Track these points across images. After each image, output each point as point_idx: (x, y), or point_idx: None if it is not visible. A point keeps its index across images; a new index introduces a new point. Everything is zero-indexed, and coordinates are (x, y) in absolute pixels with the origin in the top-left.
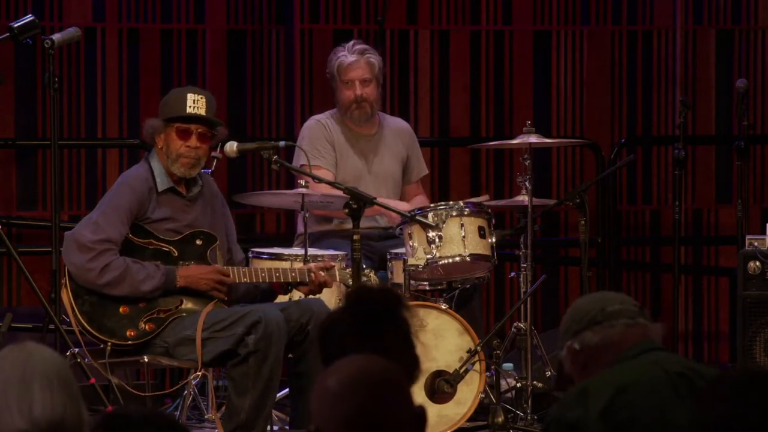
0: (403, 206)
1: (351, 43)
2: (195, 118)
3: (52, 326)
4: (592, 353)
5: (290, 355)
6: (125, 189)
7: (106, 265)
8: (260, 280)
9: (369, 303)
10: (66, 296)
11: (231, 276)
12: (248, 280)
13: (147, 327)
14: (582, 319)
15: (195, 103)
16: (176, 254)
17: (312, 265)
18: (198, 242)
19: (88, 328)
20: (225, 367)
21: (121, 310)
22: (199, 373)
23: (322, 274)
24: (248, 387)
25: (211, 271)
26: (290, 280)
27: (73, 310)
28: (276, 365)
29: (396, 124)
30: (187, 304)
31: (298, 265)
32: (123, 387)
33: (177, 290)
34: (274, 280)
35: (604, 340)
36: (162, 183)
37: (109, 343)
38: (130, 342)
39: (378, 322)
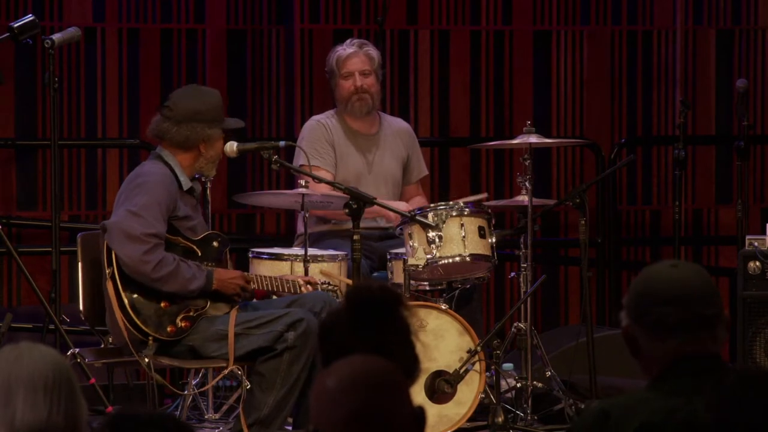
0: (403, 206)
1: (349, 40)
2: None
3: (52, 326)
4: (643, 350)
5: None
6: (160, 187)
7: (160, 260)
8: (273, 289)
9: (368, 302)
10: (112, 287)
11: (252, 287)
12: (259, 287)
13: (182, 324)
14: (641, 312)
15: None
16: (200, 254)
17: (300, 278)
18: (215, 244)
19: (135, 320)
20: (253, 364)
21: (162, 305)
22: (231, 368)
23: (310, 288)
24: (276, 383)
25: (238, 277)
26: (298, 292)
27: (121, 302)
28: (305, 367)
29: (397, 124)
30: (213, 305)
31: (299, 267)
32: (164, 383)
33: (208, 292)
34: (279, 290)
35: (655, 351)
36: (185, 182)
37: (151, 338)
38: (170, 338)
39: (377, 322)
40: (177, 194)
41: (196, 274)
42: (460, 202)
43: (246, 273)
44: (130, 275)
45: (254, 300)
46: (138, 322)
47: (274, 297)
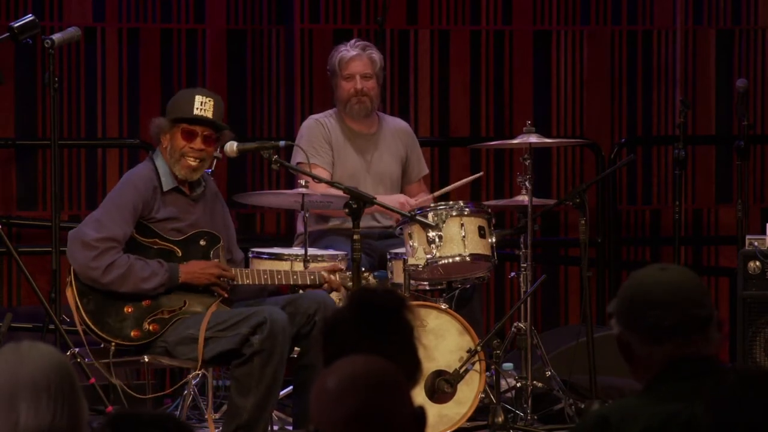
0: (399, 198)
1: (353, 41)
2: (201, 120)
3: (52, 326)
4: (638, 356)
5: (296, 348)
6: (129, 188)
7: (110, 263)
8: (264, 282)
9: (372, 305)
10: (71, 295)
11: (234, 275)
12: (251, 282)
13: (151, 327)
14: (636, 317)
15: (203, 105)
16: (180, 254)
17: (323, 270)
18: (202, 242)
19: (93, 327)
20: (226, 367)
21: (125, 309)
22: (198, 372)
23: (333, 278)
24: (251, 387)
25: (210, 266)
26: (291, 283)
27: (78, 309)
28: (280, 366)
29: (395, 124)
30: (191, 305)
31: (299, 266)
32: (124, 388)
33: (179, 286)
34: (277, 283)
35: (651, 355)
36: (167, 182)
37: (113, 343)
38: (134, 342)
39: (381, 325)
40: (155, 195)
41: (156, 272)
42: (460, 202)
43: (218, 261)
44: (84, 282)
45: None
46: (96, 329)
47: (300, 291)
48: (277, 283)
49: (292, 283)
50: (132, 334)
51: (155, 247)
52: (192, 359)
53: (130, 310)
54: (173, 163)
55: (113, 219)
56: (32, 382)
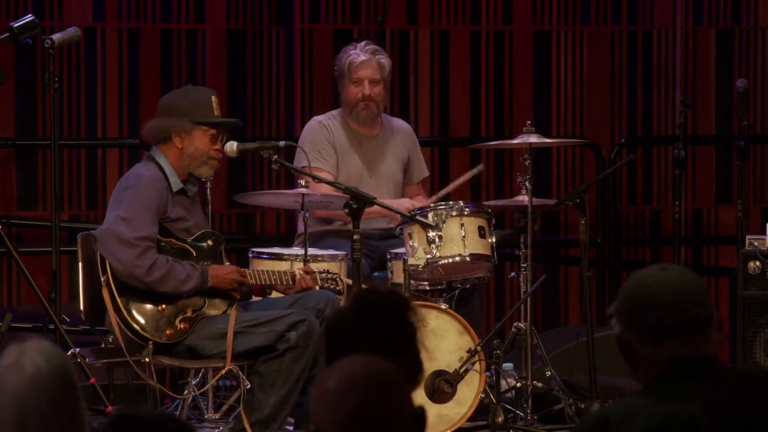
0: (406, 204)
1: (363, 43)
2: (227, 124)
3: (52, 326)
4: (638, 356)
5: None
6: (149, 190)
7: (153, 263)
8: (267, 282)
9: (373, 305)
10: (107, 294)
11: (249, 281)
12: (257, 282)
13: (182, 326)
14: (636, 317)
15: (218, 107)
16: (194, 254)
17: (298, 270)
18: (209, 242)
19: (133, 326)
20: (253, 363)
21: (160, 308)
22: (229, 367)
23: (308, 278)
24: (277, 382)
25: (232, 272)
26: (283, 283)
27: (118, 309)
28: (306, 368)
29: (398, 125)
30: (210, 305)
31: (299, 266)
32: (163, 390)
33: (205, 290)
34: (277, 283)
35: (650, 354)
36: (175, 183)
37: (150, 342)
38: (170, 341)
39: (381, 325)
40: (167, 196)
41: (191, 274)
42: (460, 202)
43: (241, 268)
44: (124, 281)
45: (252, 295)
46: (136, 328)
47: (272, 292)
48: (273, 282)
49: (280, 283)
50: (168, 332)
51: (174, 246)
52: (220, 354)
53: (163, 309)
54: (196, 165)
55: (143, 219)
56: (39, 407)
